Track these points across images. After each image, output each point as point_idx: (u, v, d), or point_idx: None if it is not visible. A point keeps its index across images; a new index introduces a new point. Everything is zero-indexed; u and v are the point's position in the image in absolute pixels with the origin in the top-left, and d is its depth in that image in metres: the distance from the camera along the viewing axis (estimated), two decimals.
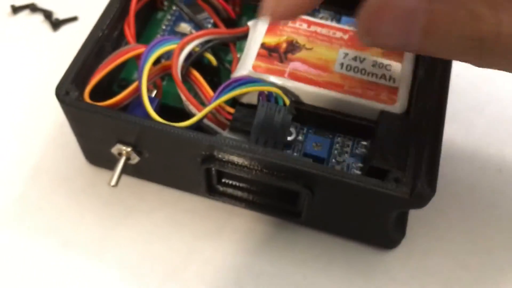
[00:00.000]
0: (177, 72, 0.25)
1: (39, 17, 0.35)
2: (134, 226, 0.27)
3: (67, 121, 0.25)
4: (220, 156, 0.23)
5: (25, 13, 0.35)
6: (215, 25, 0.29)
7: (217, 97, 0.24)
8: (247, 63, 0.26)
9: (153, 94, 0.26)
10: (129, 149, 0.24)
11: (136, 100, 0.25)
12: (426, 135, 0.23)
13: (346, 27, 0.27)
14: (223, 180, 0.25)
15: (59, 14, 0.35)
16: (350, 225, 0.25)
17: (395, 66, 0.26)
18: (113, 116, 0.23)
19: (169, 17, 0.30)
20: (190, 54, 0.26)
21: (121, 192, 0.28)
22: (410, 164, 0.22)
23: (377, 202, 0.22)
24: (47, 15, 0.34)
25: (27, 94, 0.31)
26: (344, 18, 0.29)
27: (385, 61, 0.26)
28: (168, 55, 0.26)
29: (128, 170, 0.26)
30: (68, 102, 0.23)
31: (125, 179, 0.27)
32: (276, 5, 0.19)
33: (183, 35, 0.29)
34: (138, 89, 0.24)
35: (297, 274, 0.26)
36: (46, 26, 0.34)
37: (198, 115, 0.24)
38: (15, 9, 0.35)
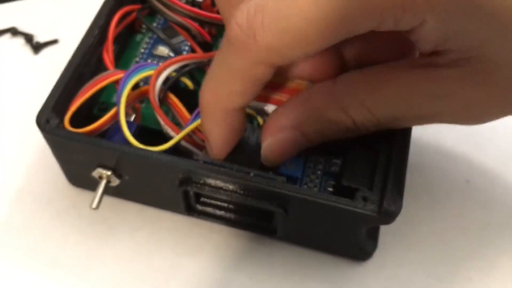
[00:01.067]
0: (155, 96, 0.26)
1: (20, 41, 0.35)
2: (117, 245, 0.28)
3: (48, 146, 0.26)
4: (196, 178, 0.24)
5: (6, 37, 0.36)
6: (191, 48, 0.30)
7: (194, 120, 0.25)
8: None
9: (132, 119, 0.27)
10: (109, 172, 0.25)
11: (115, 125, 0.26)
12: (393, 153, 0.24)
13: None
14: (201, 200, 0.26)
15: (39, 37, 0.35)
16: (324, 239, 0.26)
17: None
18: (91, 142, 0.24)
19: (147, 40, 0.31)
20: (167, 79, 0.27)
21: (103, 212, 0.29)
22: (377, 183, 0.23)
23: (347, 219, 0.24)
24: (28, 38, 0.35)
25: (9, 117, 0.32)
26: None
27: None
28: (146, 79, 0.27)
29: (109, 191, 0.27)
30: (48, 130, 0.24)
31: (108, 199, 0.28)
32: (211, 152, 0.24)
33: (161, 58, 0.31)
34: (117, 114, 0.25)
35: (275, 287, 0.27)
36: (27, 49, 0.35)
37: (175, 139, 0.25)
38: None
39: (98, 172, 0.26)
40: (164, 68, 0.26)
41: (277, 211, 0.24)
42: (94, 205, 0.25)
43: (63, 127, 0.25)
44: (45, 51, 0.35)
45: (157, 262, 0.27)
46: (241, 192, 0.24)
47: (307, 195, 0.23)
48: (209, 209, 0.26)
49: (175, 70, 0.27)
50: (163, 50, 0.31)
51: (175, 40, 0.30)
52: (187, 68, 0.27)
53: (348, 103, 0.22)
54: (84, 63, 0.27)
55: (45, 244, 0.28)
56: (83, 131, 0.25)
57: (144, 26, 0.32)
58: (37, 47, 0.35)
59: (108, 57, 0.28)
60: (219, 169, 0.23)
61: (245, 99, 0.21)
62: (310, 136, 0.23)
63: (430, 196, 0.30)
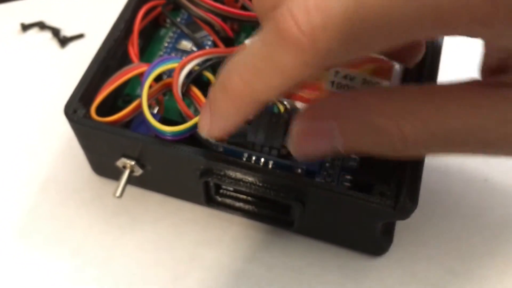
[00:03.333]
0: (178, 89, 0.26)
1: (47, 35, 0.36)
2: (139, 235, 0.29)
3: (75, 136, 0.27)
4: (217, 170, 0.24)
5: (34, 31, 0.37)
6: (214, 43, 0.30)
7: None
8: None
9: (155, 110, 0.28)
10: (132, 162, 0.26)
11: (139, 117, 0.27)
12: None
13: None
14: (221, 191, 0.27)
15: (66, 32, 0.36)
16: (340, 233, 0.27)
17: (384, 83, 0.27)
18: (116, 132, 0.25)
19: (171, 34, 0.32)
20: (190, 72, 0.27)
21: (126, 202, 0.29)
22: (394, 179, 0.24)
23: (363, 214, 0.24)
24: (55, 32, 0.36)
25: (37, 109, 0.33)
26: None
27: (374, 79, 0.27)
28: (170, 72, 0.27)
29: (132, 181, 0.27)
30: (76, 120, 0.25)
31: (131, 189, 0.29)
32: (210, 127, 0.21)
33: (184, 52, 0.31)
34: (140, 105, 0.26)
35: (293, 279, 0.27)
36: (54, 43, 0.36)
37: (194, 120, 0.25)
38: (25, 27, 0.36)
39: (122, 161, 0.26)
40: (188, 62, 0.27)
41: (294, 204, 0.24)
42: (118, 193, 0.26)
43: (90, 117, 0.26)
44: (71, 45, 0.36)
45: (178, 252, 0.28)
46: (260, 184, 0.24)
47: (325, 188, 0.23)
48: (229, 201, 0.27)
49: (198, 64, 0.27)
50: (186, 44, 0.31)
51: (198, 35, 0.31)
52: (209, 62, 0.28)
53: (402, 113, 0.19)
54: (110, 56, 0.28)
55: (70, 232, 0.29)
56: (107, 120, 0.26)
57: (168, 20, 0.32)
58: (63, 41, 0.36)
59: (133, 50, 0.29)
60: (239, 161, 0.24)
61: (278, 94, 0.19)
62: (348, 138, 0.20)
63: (447, 194, 0.30)
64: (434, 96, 0.19)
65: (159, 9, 0.31)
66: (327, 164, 0.27)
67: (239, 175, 0.24)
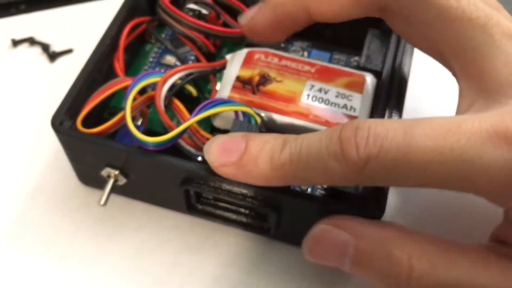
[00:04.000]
0: (160, 101, 0.28)
1: (37, 50, 0.38)
2: (123, 241, 0.30)
3: (62, 147, 0.28)
4: (197, 179, 0.26)
5: (25, 46, 0.38)
6: (197, 58, 0.32)
7: (194, 116, 0.27)
8: (223, 94, 0.28)
9: (139, 122, 0.29)
10: (116, 172, 0.27)
11: (124, 129, 0.28)
12: None
13: (313, 61, 0.30)
14: (202, 199, 0.28)
15: (55, 47, 0.38)
16: None
17: (356, 96, 0.28)
18: (101, 143, 0.26)
19: (156, 49, 0.34)
20: (173, 86, 0.29)
21: (111, 210, 0.31)
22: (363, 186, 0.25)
23: None
24: (45, 48, 0.37)
25: (26, 121, 0.34)
26: (313, 51, 0.32)
27: (347, 92, 0.29)
28: (154, 86, 0.29)
29: (117, 190, 0.28)
30: (62, 131, 0.26)
31: (115, 198, 0.30)
32: (251, 18, 0.26)
33: (168, 66, 0.33)
34: (123, 117, 0.27)
35: (271, 285, 0.28)
36: (44, 58, 0.37)
37: (175, 131, 0.26)
38: (15, 42, 0.38)
39: (106, 171, 0.27)
40: (170, 76, 0.28)
41: (270, 212, 0.26)
42: (102, 201, 0.27)
43: (76, 129, 0.27)
44: (60, 60, 0.37)
45: (160, 258, 0.29)
46: (237, 193, 0.25)
47: (297, 196, 0.24)
48: (209, 208, 0.28)
49: (181, 78, 0.29)
50: (170, 59, 0.33)
51: (181, 50, 0.33)
52: (191, 76, 0.29)
53: (416, 252, 0.21)
54: (96, 70, 0.29)
55: (58, 239, 0.30)
56: (92, 131, 0.27)
57: (153, 37, 0.34)
58: (53, 56, 0.37)
59: (118, 65, 0.30)
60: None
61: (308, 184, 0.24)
62: (359, 256, 0.22)
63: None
64: (448, 247, 0.22)
65: (144, 26, 0.32)
66: None
67: (218, 184, 0.25)
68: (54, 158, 0.32)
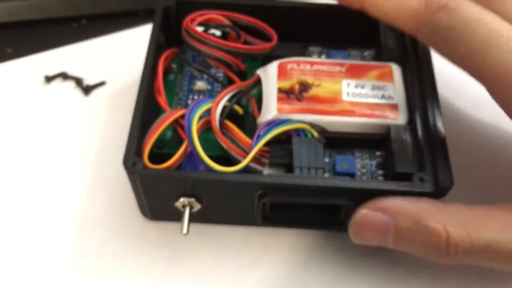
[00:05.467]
0: (217, 125, 0.29)
1: (70, 84, 0.38)
2: (183, 265, 0.31)
3: (130, 184, 0.29)
4: (274, 190, 0.27)
5: (58, 81, 0.38)
6: (227, 77, 0.33)
7: (257, 141, 0.29)
8: (271, 107, 0.30)
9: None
10: (192, 199, 0.28)
11: (186, 158, 0.29)
12: (433, 137, 0.28)
13: (341, 61, 0.32)
14: (276, 209, 0.30)
15: (88, 80, 0.38)
16: None
17: (390, 86, 0.31)
18: (178, 176, 0.27)
19: (180, 78, 0.34)
20: (223, 108, 0.30)
21: (169, 236, 0.31)
22: (427, 164, 0.28)
23: None
24: (78, 81, 0.38)
25: (68, 157, 0.35)
26: (333, 53, 0.35)
27: (381, 84, 0.31)
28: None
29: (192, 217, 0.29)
30: (138, 172, 0.27)
31: (172, 225, 0.31)
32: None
33: (201, 92, 0.34)
34: (187, 148, 0.29)
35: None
36: (78, 92, 0.38)
37: (247, 159, 0.28)
38: (48, 79, 0.38)
39: (180, 201, 0.29)
40: (221, 100, 0.30)
41: (348, 205, 0.28)
42: (184, 230, 0.28)
43: (147, 167, 0.28)
44: (94, 93, 0.38)
45: (221, 276, 0.30)
46: (317, 194, 0.27)
47: (376, 186, 0.27)
48: (283, 215, 0.30)
49: (228, 100, 0.30)
50: (201, 85, 0.34)
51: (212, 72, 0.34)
52: (237, 97, 0.31)
53: (450, 221, 0.24)
54: (145, 108, 0.30)
55: (120, 267, 0.30)
56: (164, 166, 0.28)
57: (173, 66, 0.35)
58: (87, 89, 0.38)
59: (161, 99, 0.31)
60: (295, 179, 0.27)
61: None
62: (400, 233, 0.25)
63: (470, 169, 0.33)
64: (480, 213, 0.25)
65: (162, 57, 0.33)
66: (358, 165, 0.30)
67: (296, 190, 0.27)
68: (103, 190, 0.33)
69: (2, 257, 0.31)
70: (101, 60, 0.39)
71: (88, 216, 0.32)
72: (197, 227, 0.32)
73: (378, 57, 0.35)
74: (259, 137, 0.29)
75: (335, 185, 0.27)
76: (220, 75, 0.34)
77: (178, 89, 0.34)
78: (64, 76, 0.38)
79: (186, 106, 0.33)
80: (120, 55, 0.39)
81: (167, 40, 0.34)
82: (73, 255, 0.31)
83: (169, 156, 0.28)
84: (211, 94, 0.34)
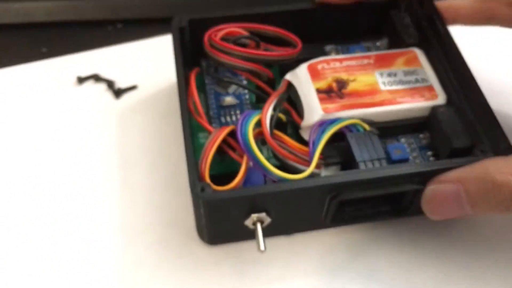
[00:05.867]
0: (269, 136, 0.29)
1: (102, 86, 0.38)
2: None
3: (194, 209, 0.28)
4: (348, 189, 0.27)
5: (90, 83, 0.38)
6: (257, 87, 0.32)
7: (315, 145, 0.28)
8: (315, 109, 0.30)
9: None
10: (263, 214, 0.28)
11: (247, 174, 0.28)
12: (478, 111, 0.29)
13: (366, 54, 0.33)
14: (346, 208, 0.29)
15: (119, 83, 0.38)
16: None
17: (419, 70, 0.32)
18: (253, 193, 0.26)
19: (203, 96, 0.34)
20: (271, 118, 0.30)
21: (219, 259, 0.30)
22: (482, 135, 0.28)
23: None
24: (110, 84, 0.38)
25: (93, 159, 0.34)
26: (351, 47, 0.35)
27: (411, 69, 0.32)
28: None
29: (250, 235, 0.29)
30: (208, 198, 0.26)
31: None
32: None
33: (231, 107, 0.33)
34: (247, 163, 0.28)
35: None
36: (109, 95, 0.38)
37: (313, 163, 0.28)
38: (81, 80, 0.38)
39: (251, 219, 0.28)
40: (267, 110, 0.29)
41: (416, 189, 0.28)
42: (262, 247, 0.27)
43: (214, 190, 0.27)
44: (125, 96, 0.37)
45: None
46: (387, 184, 0.27)
47: (444, 165, 0.27)
48: (353, 212, 0.30)
49: (273, 109, 0.30)
50: (230, 100, 0.33)
51: (231, 89, 0.34)
52: (280, 104, 0.30)
53: None
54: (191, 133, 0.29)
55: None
56: (231, 187, 0.27)
57: (225, 78, 0.33)
58: (118, 93, 0.37)
59: (203, 120, 0.30)
60: (366, 174, 0.27)
61: None
62: (472, 197, 0.25)
63: None
64: None
65: (193, 76, 0.32)
66: (408, 150, 0.31)
67: (367, 185, 0.27)
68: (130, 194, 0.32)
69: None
70: (133, 64, 0.39)
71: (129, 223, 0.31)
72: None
73: (392, 45, 0.35)
74: (316, 141, 0.29)
75: (405, 172, 0.27)
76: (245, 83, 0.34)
77: (206, 108, 0.33)
78: (96, 78, 0.38)
79: (221, 124, 0.32)
80: (153, 61, 0.39)
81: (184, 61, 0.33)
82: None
83: (216, 177, 0.28)
84: (241, 107, 0.33)
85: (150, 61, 0.39)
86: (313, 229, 0.31)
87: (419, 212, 0.30)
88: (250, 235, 0.28)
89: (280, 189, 0.27)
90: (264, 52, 0.32)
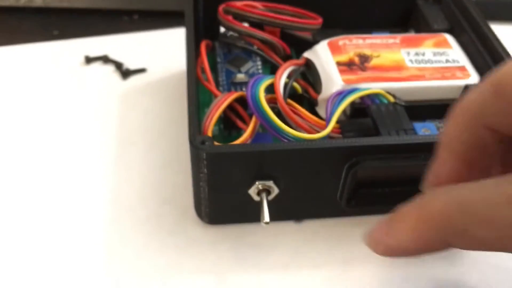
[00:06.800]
0: (283, 101, 0.26)
1: (110, 68, 0.37)
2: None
3: (194, 173, 0.24)
4: (369, 157, 0.24)
5: (98, 64, 0.37)
6: (274, 63, 0.30)
7: (333, 111, 0.25)
8: (335, 79, 0.27)
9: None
10: (269, 182, 0.24)
11: (255, 136, 0.25)
12: None
13: (393, 35, 0.30)
14: (361, 191, 0.26)
15: (129, 65, 0.37)
16: None
17: (450, 51, 0.29)
18: (258, 150, 0.23)
19: (214, 74, 0.31)
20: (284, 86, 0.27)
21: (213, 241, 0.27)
22: None
23: None
24: (118, 65, 0.37)
25: (97, 138, 0.32)
26: (373, 33, 0.33)
27: (441, 50, 0.29)
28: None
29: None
30: (208, 150, 0.23)
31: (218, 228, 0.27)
32: (435, 176, 0.20)
33: (242, 83, 0.31)
34: (256, 124, 0.25)
35: None
36: (116, 75, 0.37)
37: (330, 126, 0.25)
38: (88, 60, 0.37)
39: (256, 186, 0.24)
40: (282, 74, 0.27)
41: None
42: (266, 219, 0.24)
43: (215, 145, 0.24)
44: (132, 78, 0.36)
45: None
46: (412, 153, 0.24)
47: None
48: (370, 197, 0.26)
49: (288, 77, 0.27)
50: (241, 77, 0.31)
51: (244, 68, 0.31)
52: (296, 74, 0.28)
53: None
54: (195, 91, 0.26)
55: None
56: (237, 143, 0.24)
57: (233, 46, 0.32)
58: (126, 73, 0.36)
59: (211, 86, 0.28)
60: (390, 139, 0.24)
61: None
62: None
63: None
64: None
65: (203, 44, 0.30)
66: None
67: (389, 153, 0.24)
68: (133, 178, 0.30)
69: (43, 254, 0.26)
70: (145, 50, 0.38)
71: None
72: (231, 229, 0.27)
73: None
74: (334, 107, 0.26)
75: (432, 140, 0.24)
76: (258, 64, 0.31)
77: (216, 84, 0.31)
78: (105, 59, 0.37)
79: None
80: (165, 49, 0.38)
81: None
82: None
83: None
84: None
85: (162, 49, 0.38)
86: (325, 215, 0.27)
87: None
88: (254, 214, 0.25)
89: (292, 148, 0.23)
90: (286, 17, 0.29)
